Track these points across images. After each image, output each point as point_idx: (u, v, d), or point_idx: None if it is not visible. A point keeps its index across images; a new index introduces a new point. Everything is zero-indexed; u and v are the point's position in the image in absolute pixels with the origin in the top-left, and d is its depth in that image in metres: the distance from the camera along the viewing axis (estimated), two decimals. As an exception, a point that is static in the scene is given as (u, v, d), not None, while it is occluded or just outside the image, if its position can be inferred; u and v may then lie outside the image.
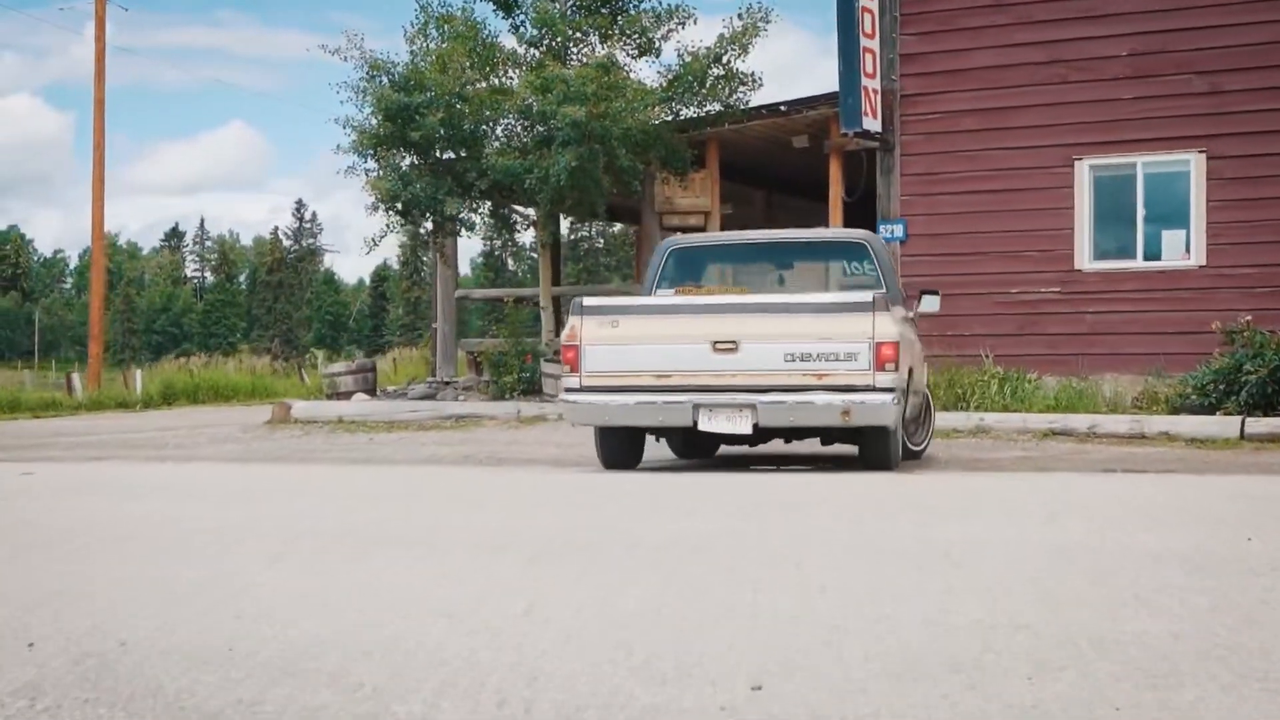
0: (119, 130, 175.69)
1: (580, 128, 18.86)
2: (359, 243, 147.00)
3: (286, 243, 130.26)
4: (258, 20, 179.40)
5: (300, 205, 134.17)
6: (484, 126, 20.67)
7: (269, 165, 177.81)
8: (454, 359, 23.35)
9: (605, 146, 19.32)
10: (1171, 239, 18.63)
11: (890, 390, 10.72)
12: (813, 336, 10.88)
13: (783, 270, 13.53)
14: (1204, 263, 18.33)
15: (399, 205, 20.42)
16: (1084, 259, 18.94)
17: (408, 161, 20.74)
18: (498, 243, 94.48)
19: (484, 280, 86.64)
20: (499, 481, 11.13)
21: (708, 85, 20.36)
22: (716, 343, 11.13)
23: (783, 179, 25.56)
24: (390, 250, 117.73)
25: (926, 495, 8.26)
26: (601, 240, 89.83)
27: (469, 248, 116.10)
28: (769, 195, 25.80)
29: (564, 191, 19.47)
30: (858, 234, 13.16)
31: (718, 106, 20.63)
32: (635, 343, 11.34)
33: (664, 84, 20.55)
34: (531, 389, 20.82)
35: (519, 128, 20.86)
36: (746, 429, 11.16)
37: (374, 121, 20.26)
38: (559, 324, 23.33)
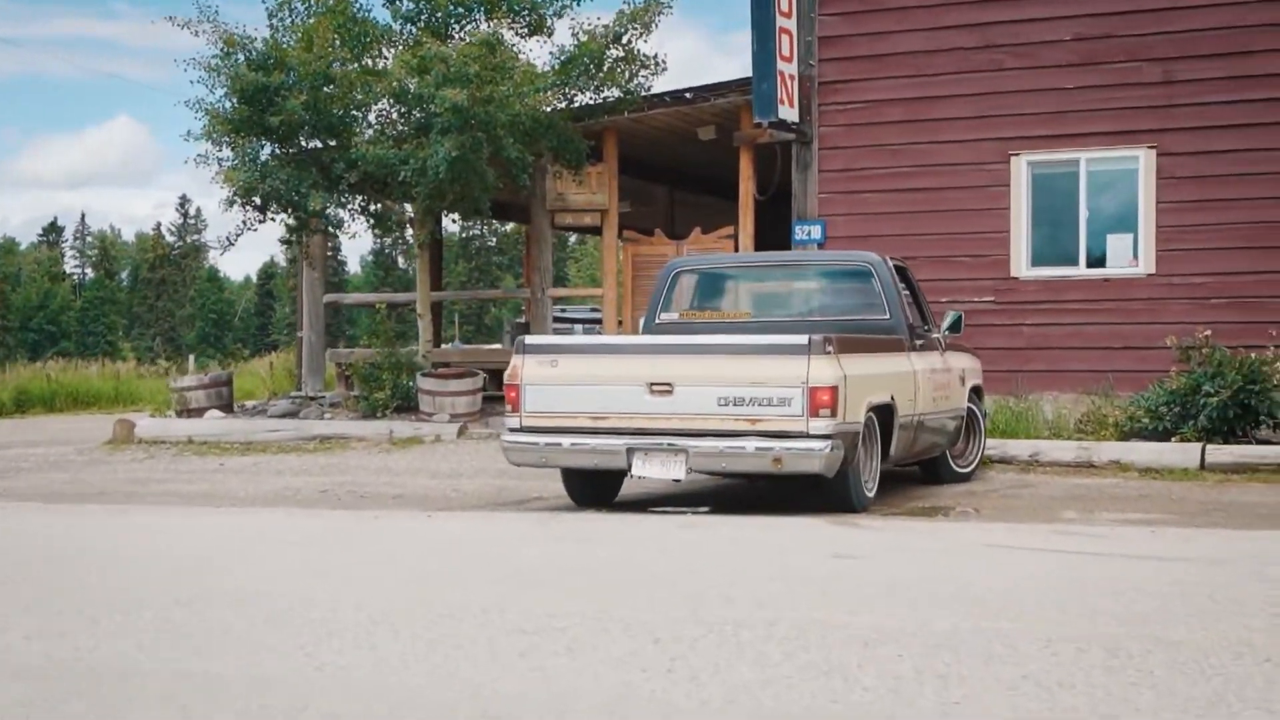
0: (8, 123, 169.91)
1: (462, 113, 16.66)
2: (243, 241, 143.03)
3: (170, 239, 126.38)
4: (151, 12, 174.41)
5: (184, 200, 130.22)
6: (354, 112, 18.40)
7: (156, 160, 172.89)
8: (322, 371, 21.05)
9: (490, 135, 17.14)
10: (1117, 244, 16.82)
11: (826, 437, 10.28)
12: (745, 381, 10.45)
13: (789, 294, 13.18)
14: (1153, 270, 16.53)
15: (256, 200, 18.09)
16: (1021, 265, 17.09)
17: (267, 150, 18.41)
18: (387, 240, 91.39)
19: (375, 279, 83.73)
20: (342, 538, 8.96)
21: (605, 68, 18.20)
22: (652, 384, 10.74)
23: (687, 175, 23.50)
24: (274, 247, 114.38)
25: (903, 584, 6.23)
26: (494, 239, 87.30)
27: (359, 245, 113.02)
28: (671, 192, 23.69)
29: (444, 185, 17.25)
30: (863, 257, 12.55)
31: (616, 93, 18.48)
32: (574, 383, 11.01)
33: (557, 66, 18.36)
34: (406, 406, 18.61)
35: (394, 114, 18.62)
36: (679, 474, 10.77)
37: (229, 105, 17.92)
38: (438, 334, 21.16)
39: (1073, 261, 16.94)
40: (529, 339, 11.40)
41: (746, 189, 18.68)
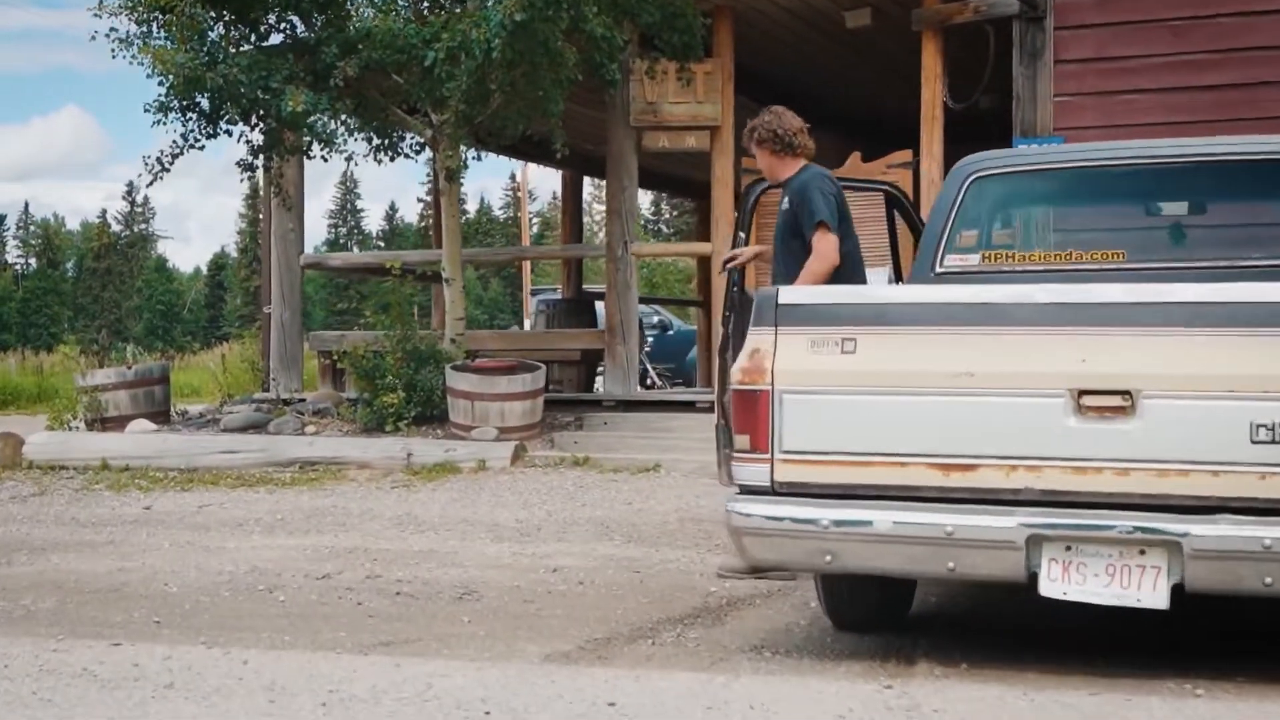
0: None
1: (528, -47, 10.52)
2: (197, 229, 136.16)
3: (116, 227, 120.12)
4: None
5: (131, 188, 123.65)
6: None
7: (104, 152, 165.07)
8: (299, 363, 14.79)
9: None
10: None
11: None
12: None
13: (1186, 217, 6.71)
14: None
15: (202, 100, 11.90)
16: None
17: (219, 29, 12.19)
18: (342, 229, 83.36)
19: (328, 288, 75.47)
20: None
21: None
22: (1083, 394, 4.82)
23: (810, 95, 17.27)
24: (226, 235, 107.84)
25: None
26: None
27: (310, 229, 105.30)
28: (780, 119, 17.46)
29: (496, 74, 11.11)
30: None
31: (746, -55, 12.37)
32: (893, 389, 5.08)
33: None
34: (429, 415, 12.49)
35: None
36: (1155, 599, 4.75)
37: (160, -42, 11.72)
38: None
39: None
40: (787, 294, 5.33)
41: (933, 94, 12.60)
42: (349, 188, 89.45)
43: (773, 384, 5.17)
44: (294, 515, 9.78)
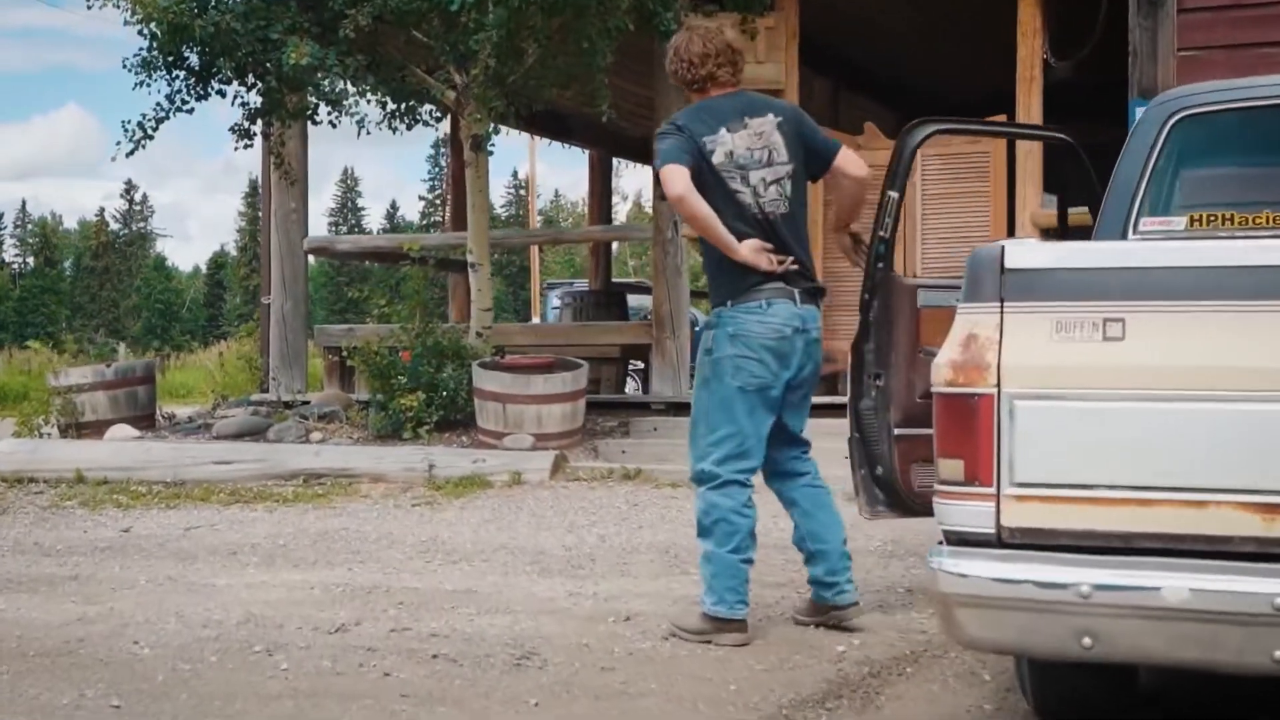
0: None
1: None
2: (196, 229, 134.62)
3: (115, 225, 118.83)
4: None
5: (130, 186, 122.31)
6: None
7: (105, 150, 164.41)
8: (303, 361, 13.16)
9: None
10: None
11: None
12: None
13: None
14: None
15: (191, 56, 10.27)
16: None
17: (211, -27, 10.56)
18: (343, 228, 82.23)
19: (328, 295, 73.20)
20: None
21: None
22: None
23: (866, 70, 15.68)
24: (225, 233, 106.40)
25: None
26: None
27: (311, 226, 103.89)
28: (837, 90, 15.77)
29: (533, 20, 9.49)
30: None
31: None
32: (1183, 392, 3.25)
33: None
34: (451, 420, 10.86)
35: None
36: None
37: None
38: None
39: None
40: (1014, 253, 3.57)
41: (1031, 51, 10.97)
42: (349, 185, 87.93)
43: (999, 385, 3.53)
44: (298, 540, 8.17)
